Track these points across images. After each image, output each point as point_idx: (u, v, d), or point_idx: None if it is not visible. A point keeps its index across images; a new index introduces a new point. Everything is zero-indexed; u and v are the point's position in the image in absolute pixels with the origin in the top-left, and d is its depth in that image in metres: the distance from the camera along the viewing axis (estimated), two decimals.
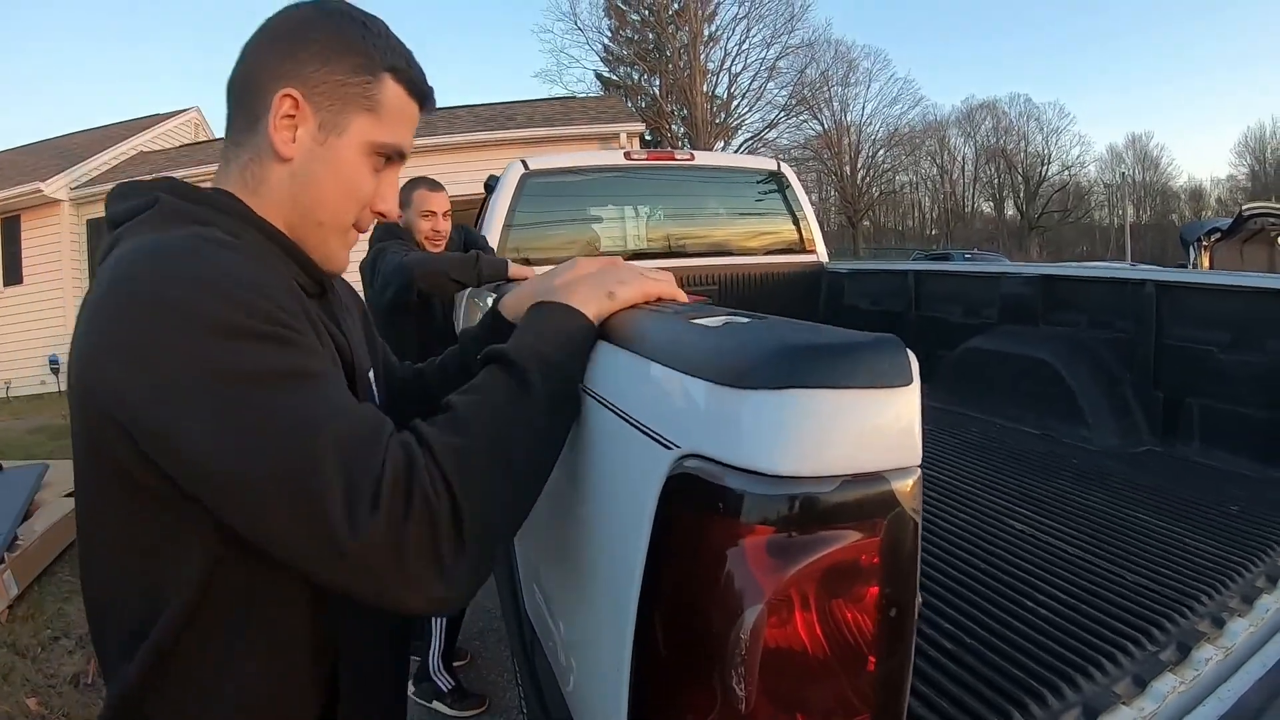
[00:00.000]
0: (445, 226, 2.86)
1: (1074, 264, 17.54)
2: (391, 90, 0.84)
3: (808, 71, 38.87)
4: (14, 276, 12.49)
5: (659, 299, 0.89)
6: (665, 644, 0.60)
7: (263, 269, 0.71)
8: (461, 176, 11.05)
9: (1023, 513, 1.78)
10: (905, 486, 0.52)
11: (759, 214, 4.16)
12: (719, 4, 36.33)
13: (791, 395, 0.50)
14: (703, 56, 35.65)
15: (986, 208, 51.82)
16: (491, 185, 3.63)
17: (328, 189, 0.84)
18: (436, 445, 0.65)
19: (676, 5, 35.57)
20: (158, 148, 14.16)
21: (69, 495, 4.05)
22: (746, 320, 0.65)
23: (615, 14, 36.20)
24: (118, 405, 0.64)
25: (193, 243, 0.70)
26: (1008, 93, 64.52)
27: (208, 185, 0.83)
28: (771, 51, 37.06)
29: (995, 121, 48.91)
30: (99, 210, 11.49)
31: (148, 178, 0.85)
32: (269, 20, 0.84)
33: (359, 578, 0.61)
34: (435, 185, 2.89)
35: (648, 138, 14.23)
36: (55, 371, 11.68)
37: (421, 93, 0.87)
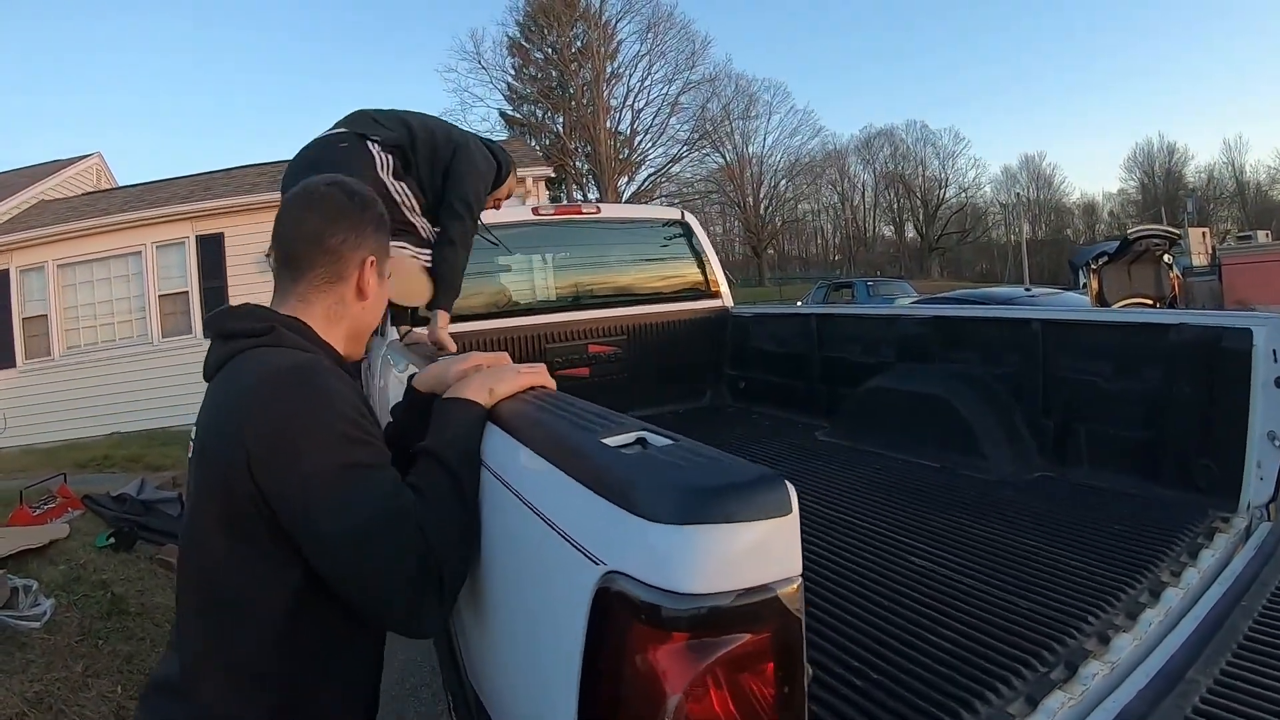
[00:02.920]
0: None
1: (969, 289, 18.30)
2: None
3: (709, 106, 40.05)
4: None
5: (531, 388, 1.16)
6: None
7: (348, 388, 1.08)
8: None
9: (922, 547, 1.91)
10: (788, 591, 0.65)
11: (664, 261, 4.30)
12: (621, 41, 37.12)
13: (696, 530, 0.62)
14: (605, 93, 36.23)
15: (887, 231, 53.90)
16: None
17: (378, 310, 1.28)
18: (429, 531, 0.99)
19: (579, 43, 36.08)
20: (60, 195, 13.41)
21: None
22: (659, 446, 0.78)
23: (518, 52, 36.48)
24: (267, 478, 0.96)
25: (324, 375, 1.05)
26: (904, 120, 67.16)
27: (286, 312, 1.17)
28: (673, 87, 38.10)
29: (893, 148, 51.12)
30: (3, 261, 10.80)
31: (257, 306, 1.17)
32: (323, 197, 1.20)
33: (406, 618, 0.98)
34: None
35: (552, 175, 14.33)
36: None
37: None
